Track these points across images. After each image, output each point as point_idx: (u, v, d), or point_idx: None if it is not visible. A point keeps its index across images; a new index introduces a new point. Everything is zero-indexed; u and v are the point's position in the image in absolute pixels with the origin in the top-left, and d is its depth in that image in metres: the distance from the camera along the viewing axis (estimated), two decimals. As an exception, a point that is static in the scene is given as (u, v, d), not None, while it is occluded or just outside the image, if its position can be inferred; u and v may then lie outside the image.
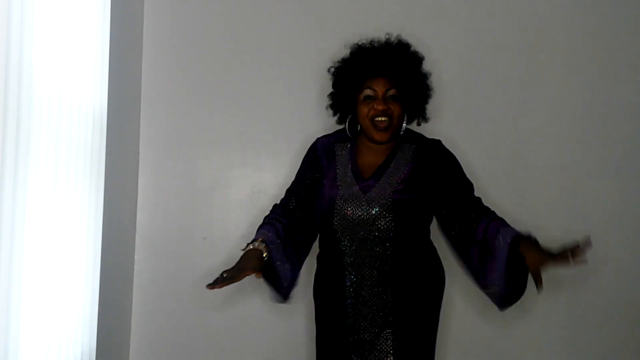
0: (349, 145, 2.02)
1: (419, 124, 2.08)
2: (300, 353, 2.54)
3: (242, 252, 1.89)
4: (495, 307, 2.69)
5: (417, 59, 2.00)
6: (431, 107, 2.10)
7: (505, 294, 1.87)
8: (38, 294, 1.63)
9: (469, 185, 1.99)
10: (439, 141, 2.03)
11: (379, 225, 1.87)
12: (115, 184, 2.30)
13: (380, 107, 1.89)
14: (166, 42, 2.69)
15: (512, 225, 1.89)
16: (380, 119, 1.90)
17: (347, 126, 2.04)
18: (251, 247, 1.88)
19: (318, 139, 2.10)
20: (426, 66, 2.05)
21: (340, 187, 1.93)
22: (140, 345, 2.64)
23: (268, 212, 2.10)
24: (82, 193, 1.92)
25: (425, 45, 2.10)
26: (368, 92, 1.91)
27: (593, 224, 2.69)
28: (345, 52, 2.14)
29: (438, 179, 1.94)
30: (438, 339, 2.31)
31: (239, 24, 2.71)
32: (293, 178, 2.14)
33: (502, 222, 1.87)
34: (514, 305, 2.71)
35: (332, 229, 1.92)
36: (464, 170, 2.03)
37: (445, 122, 2.52)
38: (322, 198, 1.96)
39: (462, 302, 2.62)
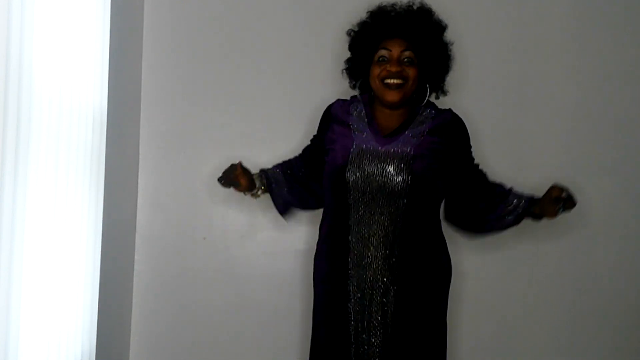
0: (364, 106, 1.96)
1: (437, 97, 2.00)
2: (300, 353, 2.54)
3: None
4: (494, 308, 2.71)
5: (438, 26, 1.92)
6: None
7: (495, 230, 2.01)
8: (38, 294, 1.63)
9: (476, 168, 2.05)
10: (452, 112, 2.00)
11: (395, 180, 1.80)
12: (115, 184, 2.30)
13: (393, 69, 1.82)
14: (166, 42, 2.69)
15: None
16: (391, 80, 1.83)
17: (358, 90, 2.01)
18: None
19: (335, 100, 2.07)
20: (449, 36, 1.97)
21: (355, 140, 1.88)
22: (140, 345, 2.64)
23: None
24: (82, 193, 1.92)
25: (451, 15, 2.02)
26: (383, 52, 1.83)
27: (593, 223, 2.69)
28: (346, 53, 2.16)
29: (456, 149, 1.93)
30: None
31: (239, 24, 2.71)
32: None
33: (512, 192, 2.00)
34: (513, 305, 2.74)
35: (343, 182, 1.84)
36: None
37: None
38: (334, 152, 1.91)
39: (460, 302, 2.63)
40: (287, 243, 2.63)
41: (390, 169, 1.79)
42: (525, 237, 2.69)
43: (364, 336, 1.86)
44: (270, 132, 2.68)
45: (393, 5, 1.92)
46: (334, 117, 1.98)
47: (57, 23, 1.70)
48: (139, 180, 2.66)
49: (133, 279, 2.64)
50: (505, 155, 2.71)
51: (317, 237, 2.16)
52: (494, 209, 1.95)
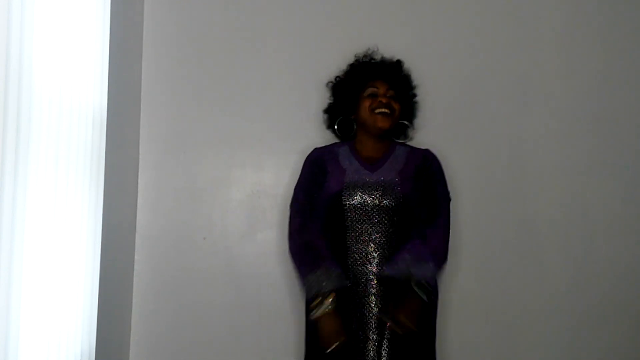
0: (347, 147, 2.21)
1: (408, 126, 2.27)
2: (299, 352, 2.54)
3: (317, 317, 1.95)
4: (494, 308, 2.71)
5: (408, 75, 2.27)
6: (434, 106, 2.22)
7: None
8: (38, 294, 1.63)
9: (445, 197, 2.20)
10: (429, 150, 2.25)
11: (386, 203, 2.01)
12: (115, 184, 2.30)
13: (383, 100, 2.10)
14: (166, 42, 2.69)
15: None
16: (382, 110, 2.09)
17: (336, 128, 2.25)
18: (326, 310, 1.93)
19: (315, 149, 2.27)
20: (422, 72, 2.28)
21: (347, 171, 2.10)
22: (140, 345, 2.64)
23: (296, 227, 2.19)
24: (82, 193, 1.92)
25: (419, 53, 2.30)
26: (371, 90, 2.13)
27: (593, 224, 2.70)
28: (344, 54, 2.19)
29: (430, 181, 2.15)
30: (438, 338, 2.32)
31: (238, 24, 2.71)
32: (293, 178, 2.17)
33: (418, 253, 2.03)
34: (513, 306, 2.73)
35: (340, 206, 2.04)
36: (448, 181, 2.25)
37: (442, 128, 2.53)
38: (329, 183, 2.11)
39: (460, 303, 2.63)
40: (286, 243, 2.62)
41: (381, 192, 2.04)
42: (525, 237, 2.69)
43: (368, 347, 2.00)
44: (270, 132, 2.68)
45: (371, 58, 2.27)
46: (319, 160, 2.20)
47: (57, 23, 1.70)
48: (139, 180, 2.66)
49: (133, 279, 2.64)
50: (505, 156, 2.71)
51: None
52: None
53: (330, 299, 1.90)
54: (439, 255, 2.07)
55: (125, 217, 2.57)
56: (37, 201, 1.60)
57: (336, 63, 2.57)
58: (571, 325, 2.68)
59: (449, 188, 2.36)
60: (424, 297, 1.95)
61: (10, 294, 1.45)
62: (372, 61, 2.24)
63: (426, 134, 2.51)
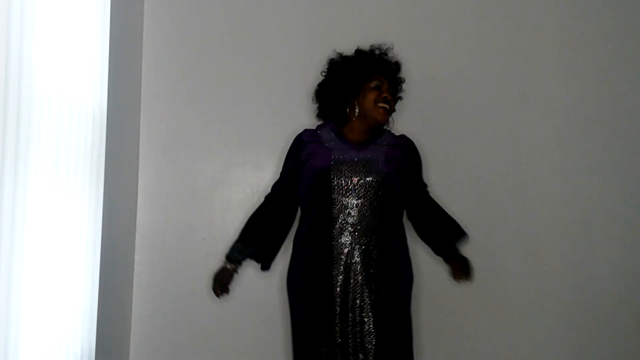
0: (328, 128, 2.29)
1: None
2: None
3: (221, 267, 2.23)
4: (494, 307, 2.71)
5: (403, 79, 2.33)
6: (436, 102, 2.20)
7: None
8: (38, 294, 1.63)
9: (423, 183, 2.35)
10: (407, 137, 2.31)
11: (371, 179, 2.12)
12: (115, 184, 2.30)
13: (388, 96, 2.21)
14: (166, 42, 2.69)
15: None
16: (383, 105, 2.19)
17: (321, 118, 2.33)
18: (227, 267, 2.22)
19: (303, 130, 2.34)
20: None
21: (334, 150, 2.19)
22: (140, 345, 2.64)
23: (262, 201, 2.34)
24: (82, 193, 1.92)
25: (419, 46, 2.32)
26: (377, 82, 2.21)
27: (593, 224, 2.70)
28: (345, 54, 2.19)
29: (411, 165, 2.25)
30: (438, 337, 2.31)
31: (238, 24, 2.71)
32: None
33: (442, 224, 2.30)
34: (512, 305, 2.74)
35: (328, 181, 2.13)
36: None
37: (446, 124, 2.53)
38: (315, 160, 2.20)
39: (459, 303, 2.63)
40: (286, 243, 2.63)
41: (367, 169, 2.14)
42: (525, 237, 2.69)
43: (349, 315, 2.08)
44: (269, 131, 2.68)
45: (379, 48, 2.30)
46: (306, 140, 2.28)
47: (57, 23, 1.70)
48: (139, 180, 2.66)
49: (133, 279, 2.64)
50: (505, 155, 2.71)
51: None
52: (433, 233, 2.32)
53: (234, 265, 2.21)
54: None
55: (125, 217, 2.57)
56: (37, 201, 1.60)
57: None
58: (571, 324, 2.68)
59: (447, 186, 2.42)
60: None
61: (10, 294, 1.46)
62: (378, 54, 2.29)
63: (425, 133, 2.51)
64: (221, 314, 2.64)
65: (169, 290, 2.66)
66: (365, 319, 2.07)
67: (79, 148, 1.89)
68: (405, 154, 2.25)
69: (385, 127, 2.30)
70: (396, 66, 2.30)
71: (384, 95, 2.19)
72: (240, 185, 2.69)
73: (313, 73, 2.53)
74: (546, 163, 2.71)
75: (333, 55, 2.32)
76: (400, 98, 2.36)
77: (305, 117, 2.63)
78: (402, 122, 2.39)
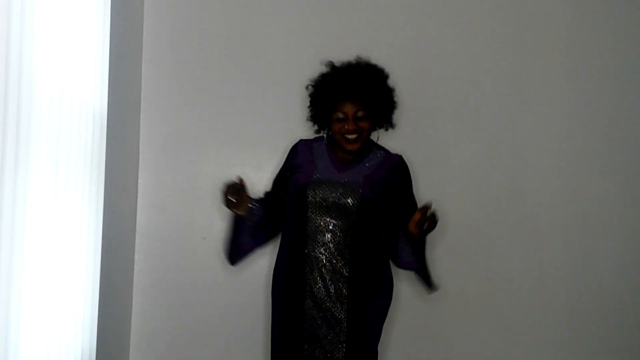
0: (326, 144, 2.26)
1: (386, 130, 2.25)
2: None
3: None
4: (493, 308, 2.72)
5: (382, 78, 2.20)
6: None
7: (419, 269, 2.17)
8: (38, 294, 1.63)
9: (415, 203, 2.23)
10: (402, 157, 2.25)
11: (346, 200, 2.10)
12: (115, 184, 2.30)
13: (350, 127, 2.12)
14: (166, 42, 2.69)
15: None
16: (349, 136, 2.13)
17: (325, 136, 2.28)
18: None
19: (299, 141, 2.32)
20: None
21: (317, 167, 2.17)
22: (140, 345, 2.64)
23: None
24: (82, 193, 1.92)
25: (395, 62, 2.24)
26: (339, 115, 2.13)
27: (593, 224, 2.70)
28: (345, 53, 2.18)
29: (400, 186, 2.19)
30: (439, 337, 2.31)
31: (238, 24, 2.71)
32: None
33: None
34: (512, 304, 2.74)
35: (304, 198, 2.11)
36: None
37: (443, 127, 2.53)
38: (298, 175, 2.19)
39: (459, 303, 2.63)
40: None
41: (343, 191, 2.11)
42: (525, 237, 2.69)
43: (318, 332, 2.09)
44: (269, 131, 2.68)
45: (343, 67, 2.20)
46: (299, 152, 2.27)
47: (57, 23, 1.70)
48: (139, 180, 2.66)
49: (133, 279, 2.64)
50: (505, 156, 2.71)
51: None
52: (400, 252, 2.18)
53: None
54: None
55: (125, 217, 2.57)
56: (37, 201, 1.60)
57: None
58: (571, 324, 2.68)
59: (447, 186, 2.40)
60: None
61: (10, 294, 1.45)
62: (342, 72, 2.18)
63: (424, 133, 2.51)
64: (221, 313, 2.65)
65: (169, 290, 2.66)
66: (332, 333, 2.08)
67: (79, 148, 1.89)
68: (392, 174, 2.19)
69: (376, 142, 2.23)
70: (365, 82, 2.16)
71: (346, 127, 2.11)
72: (240, 185, 2.68)
73: (313, 73, 2.53)
74: (546, 163, 2.71)
75: (336, 54, 2.22)
76: (389, 101, 2.21)
77: (305, 118, 2.63)
78: (402, 123, 2.39)
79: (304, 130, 2.57)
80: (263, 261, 2.66)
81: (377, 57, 2.19)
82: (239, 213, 2.14)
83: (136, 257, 2.65)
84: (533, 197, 2.71)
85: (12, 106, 1.43)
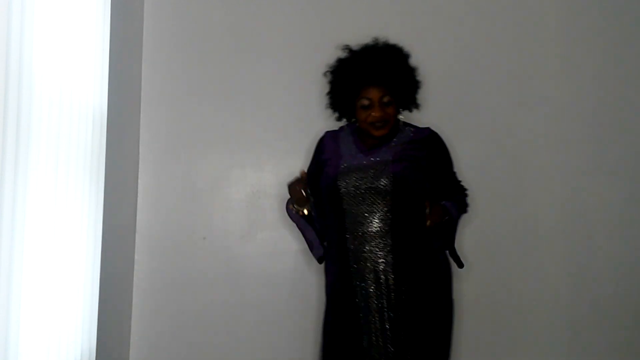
0: (350, 131, 2.23)
1: (410, 111, 2.23)
2: (298, 351, 2.54)
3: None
4: (493, 307, 2.71)
5: (404, 59, 2.16)
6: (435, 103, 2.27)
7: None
8: (38, 294, 1.63)
9: (454, 178, 2.24)
10: (431, 129, 2.20)
11: (378, 182, 2.05)
12: (115, 184, 2.30)
13: (377, 114, 2.07)
14: (166, 42, 2.69)
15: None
16: (377, 123, 2.09)
17: (345, 119, 2.25)
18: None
19: (325, 133, 2.30)
20: (430, 62, 2.24)
21: (344, 157, 2.13)
22: (140, 345, 2.64)
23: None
24: (82, 193, 1.92)
25: (412, 40, 2.24)
26: (364, 102, 2.08)
27: (593, 224, 2.69)
28: (341, 54, 2.18)
29: (435, 159, 2.14)
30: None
31: (238, 24, 2.71)
32: (293, 178, 2.18)
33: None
34: (512, 305, 2.74)
35: (336, 191, 2.08)
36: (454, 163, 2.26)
37: (444, 118, 2.52)
38: (328, 168, 2.15)
39: (458, 303, 2.62)
40: (287, 243, 2.63)
41: (373, 173, 2.06)
42: (525, 237, 2.69)
43: (371, 324, 2.04)
44: (269, 131, 2.68)
45: (364, 48, 2.14)
46: (326, 144, 2.25)
47: (57, 23, 1.70)
48: (139, 180, 2.66)
49: (133, 279, 2.64)
50: (505, 155, 2.71)
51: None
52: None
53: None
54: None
55: (125, 217, 2.57)
56: (37, 201, 1.60)
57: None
58: (570, 324, 2.68)
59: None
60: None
61: (10, 294, 1.45)
62: (364, 56, 2.11)
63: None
64: (221, 314, 2.65)
65: (169, 290, 2.66)
66: (387, 325, 2.02)
67: (79, 148, 1.89)
68: (424, 148, 2.12)
69: (401, 120, 2.17)
70: (389, 63, 2.10)
71: (372, 114, 2.06)
72: (240, 185, 2.69)
73: (314, 73, 2.53)
74: (546, 163, 2.70)
75: (337, 53, 2.20)
76: (413, 83, 2.17)
77: (305, 117, 2.63)
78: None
79: (305, 130, 2.58)
80: (262, 261, 2.67)
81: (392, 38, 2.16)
82: (302, 209, 2.14)
83: (136, 257, 2.65)
84: (533, 196, 2.71)
85: (12, 106, 1.43)
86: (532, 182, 2.71)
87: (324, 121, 2.35)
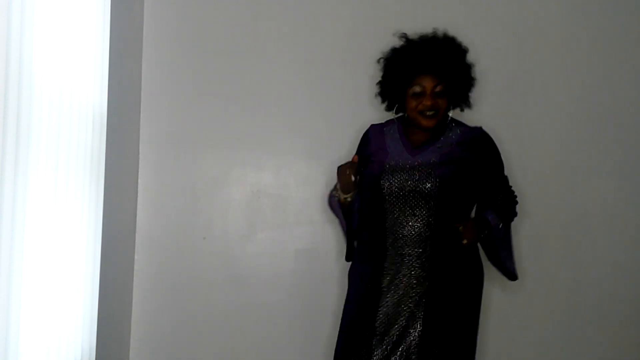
0: (397, 126, 2.17)
1: (462, 110, 2.19)
2: (299, 352, 2.54)
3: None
4: (493, 307, 2.71)
5: (462, 53, 2.11)
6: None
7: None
8: (38, 294, 1.63)
9: (505, 183, 2.18)
10: (483, 129, 2.15)
11: (423, 185, 2.00)
12: (115, 184, 2.30)
13: (428, 103, 2.03)
14: (166, 42, 2.69)
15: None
16: (428, 112, 2.04)
17: (394, 113, 2.20)
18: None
19: (370, 126, 2.25)
20: (471, 57, 2.15)
21: (390, 154, 2.08)
22: (140, 345, 2.64)
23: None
24: (82, 193, 1.92)
25: (470, 36, 2.19)
26: (417, 89, 2.04)
27: (593, 224, 2.69)
28: (345, 51, 2.17)
29: (484, 162, 2.09)
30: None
31: (238, 23, 2.71)
32: (293, 178, 2.18)
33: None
34: (511, 305, 2.74)
35: (379, 189, 2.03)
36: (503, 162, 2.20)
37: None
38: (372, 165, 2.10)
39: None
40: (287, 243, 2.63)
41: (419, 175, 2.01)
42: (525, 236, 2.69)
43: (394, 327, 1.99)
44: (270, 131, 2.68)
45: (420, 39, 2.10)
46: (371, 139, 2.19)
47: (57, 23, 1.70)
48: (139, 180, 2.66)
49: (133, 279, 2.64)
50: (505, 155, 2.71)
51: (316, 238, 2.20)
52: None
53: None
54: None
55: (125, 217, 2.57)
56: (37, 201, 1.60)
57: (337, 60, 2.57)
58: (570, 325, 2.68)
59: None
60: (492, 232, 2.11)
61: (10, 294, 1.45)
62: (421, 44, 2.07)
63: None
64: (222, 313, 2.65)
65: (169, 290, 2.66)
66: (411, 331, 1.98)
67: (79, 148, 1.88)
68: (471, 150, 2.07)
69: (450, 116, 2.12)
70: (444, 53, 2.05)
71: (424, 102, 2.02)
72: (240, 185, 2.69)
73: (313, 73, 2.54)
74: (546, 163, 2.70)
75: (338, 53, 2.19)
76: (467, 77, 2.12)
77: (305, 118, 2.63)
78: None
79: (305, 130, 2.58)
80: (262, 261, 2.67)
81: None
82: (347, 196, 2.07)
83: (136, 257, 2.65)
84: (533, 196, 2.70)
85: (12, 106, 1.43)
86: (532, 182, 2.70)
87: (325, 121, 2.35)
